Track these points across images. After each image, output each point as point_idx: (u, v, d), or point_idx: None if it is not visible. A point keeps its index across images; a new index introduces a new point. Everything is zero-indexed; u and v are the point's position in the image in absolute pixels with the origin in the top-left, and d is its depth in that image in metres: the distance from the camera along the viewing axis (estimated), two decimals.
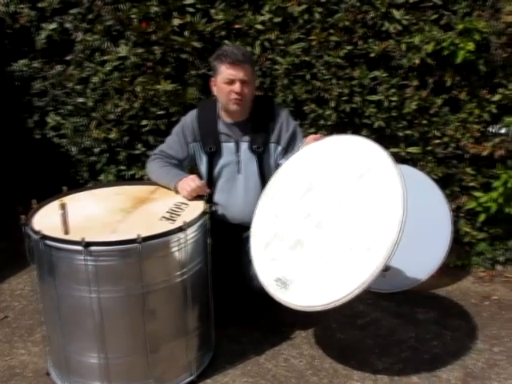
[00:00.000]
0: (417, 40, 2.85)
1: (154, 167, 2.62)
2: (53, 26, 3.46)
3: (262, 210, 2.51)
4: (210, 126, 2.61)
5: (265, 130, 2.59)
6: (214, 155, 2.61)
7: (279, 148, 2.62)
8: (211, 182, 2.65)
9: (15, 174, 3.90)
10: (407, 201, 2.02)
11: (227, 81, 2.46)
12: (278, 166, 2.62)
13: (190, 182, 2.39)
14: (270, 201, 2.49)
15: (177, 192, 2.44)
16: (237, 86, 2.45)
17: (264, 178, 2.62)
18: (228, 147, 2.61)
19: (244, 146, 2.60)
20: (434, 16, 2.84)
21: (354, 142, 2.35)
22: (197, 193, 2.39)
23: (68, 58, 3.51)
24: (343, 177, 2.27)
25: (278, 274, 2.29)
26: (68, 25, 3.43)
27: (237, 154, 2.60)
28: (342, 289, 2.06)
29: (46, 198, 2.35)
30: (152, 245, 1.98)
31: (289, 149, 2.61)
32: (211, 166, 2.63)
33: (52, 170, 3.80)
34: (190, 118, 2.66)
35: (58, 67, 3.55)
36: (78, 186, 3.29)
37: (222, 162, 2.62)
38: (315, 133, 3.10)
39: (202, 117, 2.64)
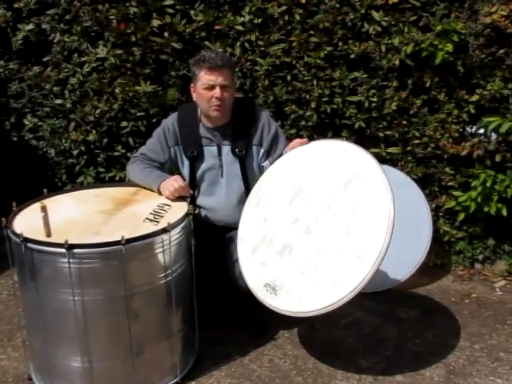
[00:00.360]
0: (396, 41, 2.87)
1: (135, 169, 2.59)
2: (30, 26, 3.41)
3: (249, 213, 2.50)
4: (191, 129, 2.59)
5: (246, 132, 2.58)
6: (195, 159, 2.60)
7: (261, 150, 2.61)
8: (194, 185, 2.64)
9: None
10: (395, 207, 2.03)
11: (207, 86, 2.44)
12: (261, 168, 2.62)
13: (173, 183, 2.37)
14: (257, 205, 2.48)
15: (159, 193, 2.42)
16: (217, 92, 2.43)
17: (247, 180, 2.62)
18: (210, 151, 2.59)
19: (226, 149, 2.59)
20: (413, 17, 2.87)
21: (340, 147, 2.35)
22: (179, 193, 2.37)
23: (45, 59, 3.47)
24: (331, 183, 2.25)
25: (266, 279, 2.28)
26: (45, 26, 3.38)
27: (219, 158, 2.59)
28: (333, 295, 2.09)
29: (23, 201, 2.30)
30: (136, 246, 1.96)
31: (271, 151, 2.61)
32: (193, 169, 2.62)
33: (29, 172, 3.75)
34: (170, 122, 2.64)
35: (36, 68, 3.51)
36: (56, 188, 3.26)
37: (204, 165, 2.61)
38: (297, 134, 3.12)
39: (182, 121, 2.62)
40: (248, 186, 2.61)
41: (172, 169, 2.77)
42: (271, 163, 2.59)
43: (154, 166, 2.59)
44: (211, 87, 2.43)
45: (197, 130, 2.59)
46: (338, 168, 2.25)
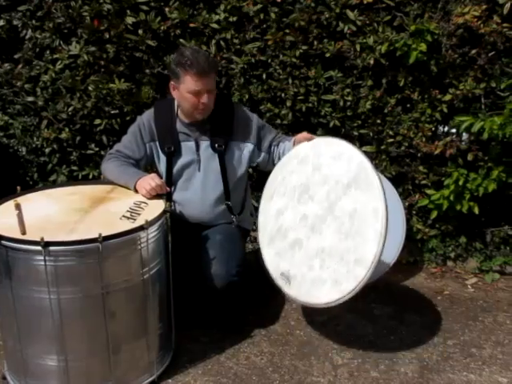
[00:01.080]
0: (371, 41, 2.89)
1: (110, 167, 2.56)
2: (0, 23, 3.36)
3: (266, 204, 2.63)
4: (168, 125, 2.57)
5: (225, 128, 2.57)
6: (172, 155, 2.57)
7: (248, 146, 2.62)
8: (170, 181, 2.62)
9: None
10: (388, 214, 2.15)
11: (193, 92, 2.40)
12: (248, 163, 2.67)
13: (150, 181, 2.35)
14: (272, 196, 2.60)
15: (136, 191, 2.40)
16: (204, 97, 2.40)
17: (226, 177, 2.61)
18: (187, 146, 2.58)
19: (204, 144, 2.57)
20: (387, 17, 2.90)
21: (341, 147, 2.39)
22: (156, 192, 2.35)
23: (17, 56, 3.42)
24: (333, 184, 2.34)
25: (282, 269, 2.47)
26: (16, 22, 3.33)
27: (197, 153, 2.57)
28: (334, 294, 2.26)
29: None
30: (113, 244, 1.94)
31: (261, 143, 2.64)
32: (170, 165, 2.59)
33: (0, 171, 3.69)
34: (146, 118, 2.61)
35: (6, 65, 3.45)
36: (27, 187, 3.20)
37: (181, 161, 2.58)
38: None
39: (159, 116, 2.59)
40: (226, 182, 2.61)
41: (147, 166, 2.75)
42: (269, 153, 2.67)
43: (129, 163, 2.56)
44: (198, 93, 2.39)
45: (174, 125, 2.57)
46: (339, 170, 2.33)
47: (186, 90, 2.41)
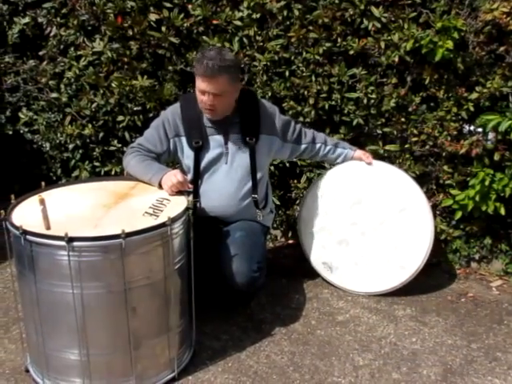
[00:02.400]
0: (395, 38, 2.86)
1: (133, 162, 2.55)
2: (26, 20, 3.40)
3: (313, 201, 3.01)
4: (195, 119, 2.56)
5: (253, 121, 2.57)
6: (200, 149, 2.56)
7: (275, 139, 2.65)
8: (197, 175, 2.61)
9: None
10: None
11: (200, 91, 2.42)
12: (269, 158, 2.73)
13: (172, 177, 2.34)
14: (321, 196, 2.99)
15: (160, 187, 2.39)
16: (208, 99, 2.42)
17: (255, 169, 2.60)
18: (215, 140, 2.57)
19: (233, 137, 2.56)
20: (413, 14, 2.86)
21: (398, 175, 2.90)
22: (177, 188, 2.34)
23: (41, 52, 3.46)
24: (387, 204, 2.88)
25: (325, 259, 3.02)
26: (41, 19, 3.37)
27: (225, 146, 2.57)
28: (376, 287, 2.95)
29: (19, 194, 2.26)
30: (135, 240, 1.94)
31: (286, 135, 2.72)
32: (198, 160, 2.58)
33: (24, 166, 3.73)
34: (171, 113, 2.60)
35: (31, 62, 3.49)
36: (50, 182, 3.23)
37: (208, 155, 2.57)
38: None
39: (185, 111, 2.58)
40: (255, 175, 2.60)
41: (168, 161, 2.75)
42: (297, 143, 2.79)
43: (151, 157, 2.56)
44: (204, 92, 2.41)
45: (201, 119, 2.56)
46: (395, 194, 2.88)
47: (197, 88, 2.44)
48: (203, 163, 2.59)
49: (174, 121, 2.57)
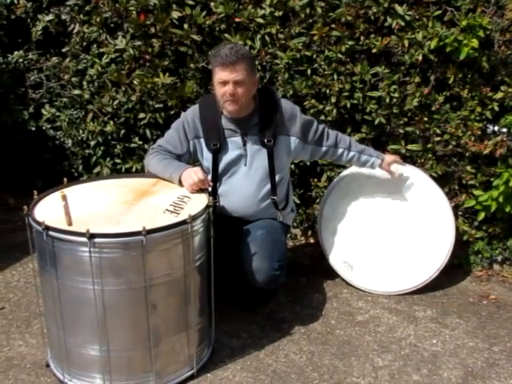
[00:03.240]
0: (419, 36, 2.82)
1: (153, 161, 2.56)
2: (49, 17, 3.44)
3: (335, 201, 3.01)
4: (213, 121, 2.56)
5: (273, 122, 2.55)
6: (218, 151, 2.57)
7: (293, 139, 2.61)
8: (216, 177, 2.61)
9: (4, 165, 3.86)
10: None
11: (221, 81, 2.41)
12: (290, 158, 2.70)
13: (192, 175, 2.35)
14: (344, 197, 3.00)
15: (180, 184, 2.40)
16: (230, 88, 2.40)
17: (273, 170, 2.59)
18: (234, 142, 2.57)
19: (252, 139, 2.56)
20: (438, 12, 2.82)
21: (419, 176, 2.93)
22: (198, 186, 2.35)
23: (64, 49, 3.49)
24: (408, 205, 2.93)
25: (345, 258, 3.00)
26: (65, 16, 3.40)
27: (243, 148, 2.56)
28: (397, 288, 2.95)
29: (40, 190, 2.28)
30: (156, 238, 1.95)
31: (306, 136, 2.65)
32: (216, 162, 2.59)
33: (47, 162, 3.77)
34: (190, 114, 2.61)
35: (54, 59, 3.53)
36: (72, 178, 3.25)
37: (226, 157, 2.58)
38: None
39: (204, 113, 2.58)
40: (274, 178, 2.59)
41: (189, 162, 2.76)
42: (318, 145, 2.72)
43: (172, 157, 2.57)
44: (224, 83, 2.41)
45: (219, 121, 2.56)
46: (416, 194, 2.92)
47: (216, 81, 2.44)
48: (222, 165, 2.59)
49: (194, 122, 2.58)
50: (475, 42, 2.71)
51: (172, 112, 3.27)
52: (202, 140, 2.59)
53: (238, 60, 2.37)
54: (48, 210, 2.10)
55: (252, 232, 2.57)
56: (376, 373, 2.34)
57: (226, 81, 2.40)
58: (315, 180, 3.25)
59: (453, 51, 2.78)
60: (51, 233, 1.93)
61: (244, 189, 2.61)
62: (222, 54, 2.36)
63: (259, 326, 2.64)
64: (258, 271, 2.44)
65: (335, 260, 3.02)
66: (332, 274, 3.06)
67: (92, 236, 1.87)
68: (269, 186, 2.61)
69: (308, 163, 3.25)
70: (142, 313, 2.02)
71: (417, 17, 2.84)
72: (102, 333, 2.02)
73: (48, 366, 2.30)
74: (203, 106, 2.60)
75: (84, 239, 1.87)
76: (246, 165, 2.58)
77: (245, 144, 2.56)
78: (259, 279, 2.45)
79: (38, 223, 1.95)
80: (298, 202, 3.28)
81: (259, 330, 2.61)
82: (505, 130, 2.92)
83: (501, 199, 2.92)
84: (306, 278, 3.12)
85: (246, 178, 2.59)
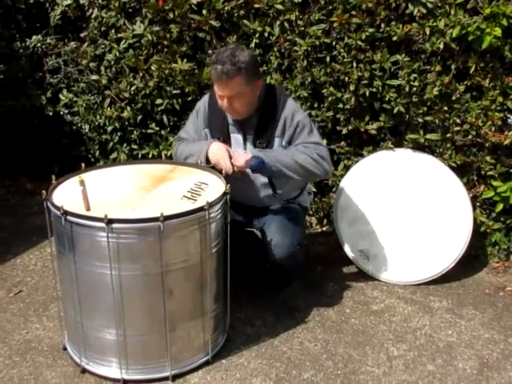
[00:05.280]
0: (441, 24, 2.78)
1: (180, 148, 2.58)
2: (68, 1, 3.45)
3: (350, 190, 3.02)
4: (220, 115, 2.52)
5: (270, 124, 2.48)
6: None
7: (283, 142, 2.50)
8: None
9: (21, 150, 3.89)
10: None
11: (217, 95, 2.38)
12: None
13: (224, 155, 2.39)
14: (359, 186, 3.00)
15: (207, 158, 2.42)
16: (224, 102, 2.36)
17: None
18: (236, 138, 2.54)
19: (250, 139, 2.52)
20: (460, 0, 2.78)
21: (437, 166, 2.93)
22: (220, 167, 2.38)
23: (82, 34, 3.49)
24: (425, 195, 2.91)
25: (361, 247, 3.01)
26: (83, 1, 3.40)
27: (244, 146, 2.53)
28: (413, 278, 2.94)
29: (56, 175, 2.28)
30: (173, 224, 1.96)
31: (291, 143, 2.50)
32: None
33: (64, 147, 3.78)
34: (202, 103, 2.60)
35: (72, 44, 3.53)
36: (89, 164, 3.26)
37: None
38: (333, 116, 3.08)
39: (212, 104, 2.53)
40: (271, 180, 2.53)
41: None
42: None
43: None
44: (220, 96, 2.37)
45: (225, 115, 2.52)
46: (434, 184, 2.91)
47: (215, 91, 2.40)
48: None
49: (205, 112, 2.56)
50: (498, 31, 2.67)
51: (189, 98, 3.27)
52: (208, 130, 2.58)
53: (232, 77, 2.28)
54: (66, 195, 2.11)
55: (274, 212, 2.60)
56: (391, 362, 2.34)
57: (221, 95, 2.36)
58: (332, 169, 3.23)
59: (475, 40, 2.74)
60: (70, 217, 1.94)
61: (246, 189, 2.56)
62: (217, 70, 2.28)
63: (274, 314, 2.65)
64: (278, 247, 2.45)
65: (351, 249, 3.02)
66: (347, 263, 3.05)
67: (110, 221, 1.88)
68: (269, 189, 2.56)
69: None
70: (158, 298, 2.03)
71: (439, 4, 2.80)
72: (119, 317, 2.04)
73: (65, 349, 2.33)
74: (211, 98, 2.55)
75: (102, 224, 1.88)
76: None
77: (245, 143, 2.53)
78: (280, 254, 2.46)
79: (57, 208, 1.96)
80: (314, 190, 3.27)
81: (274, 318, 2.62)
82: None
83: None
84: (321, 266, 3.12)
85: (247, 177, 2.53)
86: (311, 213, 3.45)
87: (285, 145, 2.50)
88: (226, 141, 2.52)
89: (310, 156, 2.41)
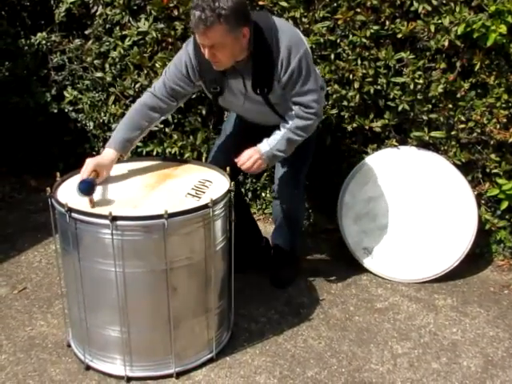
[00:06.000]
0: (446, 21, 2.76)
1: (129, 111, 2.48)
2: None
3: (357, 187, 3.00)
4: (211, 63, 2.25)
5: (268, 67, 2.27)
6: (219, 94, 2.40)
7: (280, 85, 2.32)
8: (222, 113, 2.68)
9: (26, 147, 3.89)
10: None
11: (199, 43, 2.16)
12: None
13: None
14: (366, 183, 2.99)
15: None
16: (207, 52, 2.13)
17: (276, 110, 2.44)
18: (234, 85, 2.37)
19: (249, 84, 2.34)
20: None
21: (442, 163, 2.92)
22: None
23: (87, 32, 3.49)
24: (430, 192, 2.91)
25: (365, 244, 3.00)
26: None
27: (243, 91, 2.38)
28: (417, 276, 2.94)
29: (61, 172, 2.28)
30: (178, 221, 1.96)
31: (286, 88, 2.32)
32: (216, 102, 2.47)
33: (68, 144, 3.79)
34: (187, 57, 2.33)
35: (77, 41, 3.53)
36: None
37: (228, 99, 2.44)
38: (338, 114, 3.07)
39: (200, 54, 2.25)
40: (277, 112, 2.44)
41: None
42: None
43: (142, 113, 2.43)
44: (201, 45, 2.15)
45: None
46: (438, 182, 2.90)
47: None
48: (223, 104, 2.50)
49: (196, 64, 2.33)
50: (503, 28, 2.65)
51: (194, 96, 3.25)
52: (201, 83, 2.41)
53: (211, 25, 2.02)
54: (71, 192, 2.12)
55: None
56: (395, 360, 2.34)
57: (202, 44, 2.14)
58: (336, 166, 3.24)
59: (480, 37, 2.72)
60: (74, 215, 1.94)
61: (254, 120, 2.56)
62: (195, 16, 2.03)
63: (278, 311, 2.65)
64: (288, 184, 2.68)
65: (355, 246, 3.02)
66: (351, 261, 3.05)
67: (114, 218, 1.88)
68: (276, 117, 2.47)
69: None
70: (162, 295, 2.04)
71: (444, 1, 2.77)
72: (123, 314, 2.04)
73: (69, 346, 2.34)
74: (198, 46, 2.25)
75: (106, 221, 1.88)
76: (250, 104, 2.43)
77: (244, 88, 2.36)
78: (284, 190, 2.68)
79: (61, 205, 1.97)
80: (317, 187, 3.28)
81: (278, 315, 2.62)
82: None
83: None
84: (325, 263, 3.12)
85: (248, 107, 2.46)
86: (315, 210, 3.44)
87: (281, 90, 2.34)
88: (223, 89, 2.37)
89: (301, 128, 2.39)
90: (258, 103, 2.41)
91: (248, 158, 2.39)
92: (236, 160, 2.41)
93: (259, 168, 2.43)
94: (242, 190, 3.43)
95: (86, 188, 2.04)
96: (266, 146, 2.40)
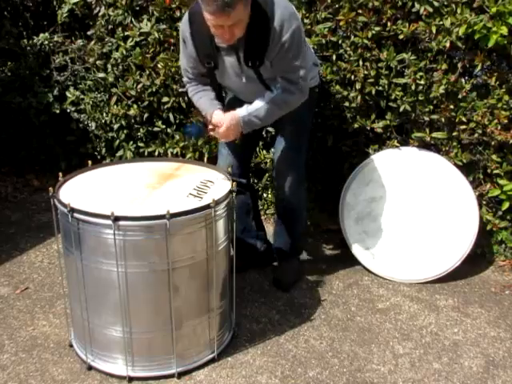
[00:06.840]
0: (448, 22, 2.77)
1: (194, 100, 2.55)
2: None
3: (359, 188, 3.02)
4: (206, 39, 2.31)
5: (260, 43, 2.29)
6: (214, 69, 2.43)
7: (271, 58, 2.34)
8: (220, 87, 2.62)
9: (29, 147, 3.91)
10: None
11: (214, 26, 2.16)
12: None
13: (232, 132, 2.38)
14: (367, 184, 3.00)
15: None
16: (225, 31, 2.15)
17: (268, 85, 2.44)
18: (228, 60, 2.39)
19: (242, 58, 2.35)
20: None
21: (443, 164, 2.92)
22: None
23: (90, 32, 3.50)
24: (432, 193, 2.91)
25: (367, 245, 3.01)
26: None
27: (238, 66, 2.39)
28: (418, 276, 2.94)
29: (63, 172, 2.30)
30: (180, 221, 1.97)
31: (276, 60, 2.33)
32: (213, 76, 2.49)
33: (70, 144, 3.80)
34: (183, 33, 2.38)
35: (79, 42, 3.54)
36: (95, 161, 3.27)
37: (223, 74, 2.45)
38: (339, 115, 3.07)
39: (195, 31, 2.31)
40: (269, 88, 2.44)
41: None
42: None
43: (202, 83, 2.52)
44: (220, 26, 2.14)
45: (212, 39, 2.32)
46: (440, 183, 2.91)
47: (209, 22, 2.17)
48: (219, 80, 2.51)
49: (192, 40, 2.37)
50: (504, 29, 2.65)
51: None
52: (196, 56, 2.43)
53: (235, 5, 2.06)
54: (73, 192, 2.13)
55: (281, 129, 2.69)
56: (396, 360, 2.34)
57: (221, 25, 2.14)
58: (337, 166, 3.24)
59: (481, 38, 2.73)
60: (76, 215, 1.95)
61: (246, 98, 2.53)
62: (217, 2, 2.03)
63: (279, 311, 2.65)
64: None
65: (356, 247, 3.02)
66: (352, 261, 3.05)
67: (116, 219, 1.89)
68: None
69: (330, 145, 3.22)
70: (164, 295, 2.04)
71: (445, 3, 2.78)
72: (125, 314, 2.05)
73: (71, 346, 2.34)
74: (194, 21, 2.32)
75: (109, 221, 1.89)
76: (243, 80, 2.44)
77: (238, 62, 2.37)
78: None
79: (64, 205, 1.98)
80: (319, 188, 3.28)
81: (279, 316, 2.62)
82: None
83: None
84: (326, 264, 3.12)
85: (246, 88, 2.48)
86: (317, 211, 3.45)
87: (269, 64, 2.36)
88: (217, 64, 2.40)
89: (284, 101, 2.41)
90: (252, 80, 2.42)
91: (225, 126, 2.37)
92: (210, 127, 2.39)
93: (235, 134, 2.42)
94: None
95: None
96: (244, 111, 2.40)
